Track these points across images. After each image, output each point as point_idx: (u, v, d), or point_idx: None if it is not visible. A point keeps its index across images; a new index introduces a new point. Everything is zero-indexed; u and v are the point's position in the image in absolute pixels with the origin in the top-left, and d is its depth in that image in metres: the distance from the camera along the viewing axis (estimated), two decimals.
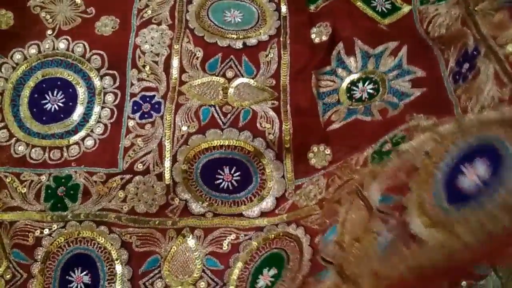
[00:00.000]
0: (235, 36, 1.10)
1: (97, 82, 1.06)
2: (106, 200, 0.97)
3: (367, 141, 0.96)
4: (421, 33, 1.08)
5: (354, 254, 0.78)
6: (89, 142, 1.02)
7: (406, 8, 1.13)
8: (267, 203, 0.98)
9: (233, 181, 0.99)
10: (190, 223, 0.96)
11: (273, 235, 0.95)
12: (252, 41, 1.09)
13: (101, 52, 1.08)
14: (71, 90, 1.06)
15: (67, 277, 0.92)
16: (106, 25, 1.10)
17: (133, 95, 1.05)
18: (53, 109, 1.04)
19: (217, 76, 1.06)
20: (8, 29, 1.09)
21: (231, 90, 1.05)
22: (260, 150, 1.01)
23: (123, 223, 0.95)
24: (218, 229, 0.95)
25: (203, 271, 0.93)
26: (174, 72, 1.07)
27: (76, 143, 1.02)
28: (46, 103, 1.05)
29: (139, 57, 1.08)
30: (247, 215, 0.97)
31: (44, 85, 1.06)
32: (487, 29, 0.94)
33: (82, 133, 1.03)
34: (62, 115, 1.04)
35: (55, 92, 1.05)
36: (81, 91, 1.06)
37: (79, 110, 1.04)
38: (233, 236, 0.95)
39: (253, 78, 1.06)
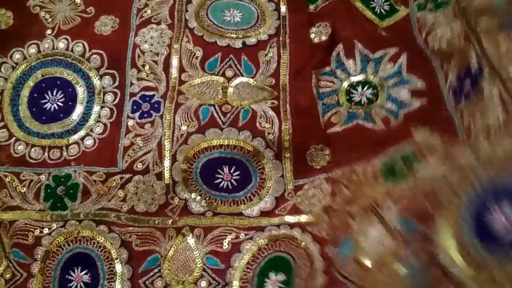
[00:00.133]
0: (234, 36, 1.10)
1: (96, 82, 1.06)
2: (105, 199, 0.97)
3: (371, 149, 0.97)
4: (420, 42, 1.08)
5: (379, 279, 0.80)
6: (88, 142, 1.02)
7: (404, 11, 1.14)
8: (267, 203, 0.97)
9: (232, 180, 0.99)
10: (189, 222, 0.95)
11: (275, 236, 0.95)
12: (252, 41, 1.09)
13: (101, 52, 1.08)
14: (70, 90, 1.06)
15: (67, 276, 0.92)
16: (106, 25, 1.10)
17: (132, 94, 1.05)
18: (52, 108, 1.04)
19: (216, 75, 1.07)
20: (7, 29, 1.10)
21: (230, 90, 1.05)
22: (260, 150, 1.01)
23: (122, 222, 0.95)
24: (218, 228, 0.95)
25: (204, 270, 0.93)
26: (174, 71, 1.07)
27: (76, 142, 1.02)
28: (46, 103, 1.05)
29: (139, 56, 1.08)
30: (246, 215, 0.97)
31: (43, 85, 1.06)
32: (491, 49, 0.95)
33: (81, 133, 1.03)
34: (61, 115, 1.04)
35: (55, 92, 1.05)
36: (81, 91, 1.06)
37: (79, 110, 1.04)
38: (233, 235, 0.95)
39: (252, 77, 1.07)
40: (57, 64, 1.07)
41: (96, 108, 1.05)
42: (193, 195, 0.97)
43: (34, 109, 1.04)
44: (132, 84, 1.06)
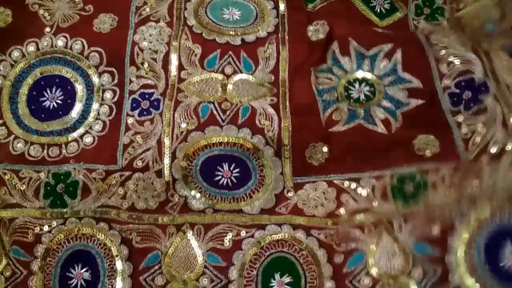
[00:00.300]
0: (233, 33, 1.10)
1: (95, 79, 1.06)
2: (105, 197, 0.97)
3: (370, 150, 0.99)
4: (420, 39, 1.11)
5: None
6: (88, 139, 1.02)
7: (403, 11, 1.16)
8: (267, 200, 0.97)
9: (232, 177, 1.00)
10: (190, 219, 0.95)
11: (278, 236, 0.95)
12: (250, 38, 1.10)
13: (100, 49, 1.08)
14: (69, 87, 1.06)
15: (67, 273, 0.92)
16: (105, 23, 1.11)
17: (132, 92, 1.06)
18: (51, 106, 1.04)
19: (216, 72, 1.07)
20: (6, 27, 1.10)
21: (230, 87, 1.06)
22: (259, 147, 1.01)
23: (123, 219, 0.95)
24: (218, 225, 0.95)
25: (205, 267, 0.93)
26: (173, 69, 1.07)
27: (75, 140, 1.02)
28: (45, 101, 1.05)
29: (138, 54, 1.08)
30: (247, 212, 0.97)
31: (42, 83, 1.06)
32: (500, 66, 1.01)
33: (80, 130, 1.03)
34: (60, 112, 1.04)
35: (54, 90, 1.05)
36: (80, 88, 1.06)
37: (78, 107, 1.04)
38: (234, 233, 0.95)
39: (251, 74, 1.07)
40: (56, 62, 1.07)
41: (95, 106, 1.05)
42: (193, 192, 0.97)
43: (33, 107, 1.04)
44: (131, 81, 1.06)
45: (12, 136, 1.02)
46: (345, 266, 0.92)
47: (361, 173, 0.98)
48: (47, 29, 1.10)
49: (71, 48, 1.08)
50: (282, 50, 1.09)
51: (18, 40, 1.08)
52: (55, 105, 1.04)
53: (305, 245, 0.93)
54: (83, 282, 0.92)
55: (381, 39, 1.10)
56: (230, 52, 1.08)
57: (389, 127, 1.02)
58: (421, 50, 1.08)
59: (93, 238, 0.94)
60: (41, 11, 1.11)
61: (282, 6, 1.15)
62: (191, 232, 0.95)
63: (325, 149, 1.01)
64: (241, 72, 1.07)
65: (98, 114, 1.04)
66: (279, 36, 1.11)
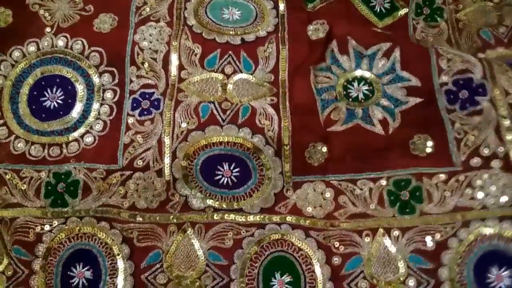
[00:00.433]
0: (233, 33, 1.11)
1: (96, 79, 1.07)
2: (106, 196, 0.97)
3: (372, 155, 1.01)
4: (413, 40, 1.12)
5: None
6: (88, 139, 1.02)
7: (403, 10, 1.16)
8: (266, 199, 0.98)
9: (232, 177, 1.00)
10: (190, 218, 0.96)
11: (277, 236, 0.95)
12: (250, 37, 1.10)
13: (100, 49, 1.08)
14: (70, 87, 1.06)
15: (68, 272, 0.92)
16: (105, 22, 1.11)
17: (132, 92, 1.06)
18: (52, 106, 1.05)
19: (216, 72, 1.07)
20: (7, 27, 1.10)
21: (230, 86, 1.06)
22: (259, 147, 1.01)
23: (123, 218, 0.95)
24: (219, 224, 0.96)
25: (207, 265, 0.93)
26: (173, 69, 1.07)
27: (76, 139, 1.02)
28: (45, 100, 1.05)
29: (138, 54, 1.08)
30: (247, 211, 0.97)
31: (43, 83, 1.06)
32: (500, 77, 1.02)
33: (81, 130, 1.03)
34: (61, 112, 1.04)
35: (54, 89, 1.06)
36: (80, 88, 1.06)
37: (78, 107, 1.05)
38: (234, 232, 0.95)
39: (251, 74, 1.07)
40: (56, 62, 1.07)
41: (95, 106, 1.05)
42: (193, 192, 0.98)
43: (33, 107, 1.04)
44: (131, 81, 1.07)
45: (13, 136, 1.02)
46: (343, 268, 0.93)
47: (359, 174, 0.99)
48: (48, 29, 1.10)
49: (71, 48, 1.08)
50: (282, 49, 1.09)
51: (18, 40, 1.08)
52: (56, 105, 1.05)
53: (301, 244, 0.94)
54: (84, 281, 0.92)
55: (380, 38, 1.10)
56: (230, 52, 1.08)
57: (387, 128, 1.03)
58: (420, 48, 1.09)
59: (94, 237, 0.94)
60: (41, 11, 1.11)
61: (281, 6, 1.15)
62: (192, 230, 0.95)
63: (324, 149, 1.02)
64: (241, 72, 1.07)
65: (99, 114, 1.04)
66: (279, 35, 1.11)
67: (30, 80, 1.06)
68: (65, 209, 0.96)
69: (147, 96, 1.05)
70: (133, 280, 0.92)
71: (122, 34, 1.10)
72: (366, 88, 1.07)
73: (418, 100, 1.04)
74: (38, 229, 0.95)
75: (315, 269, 0.93)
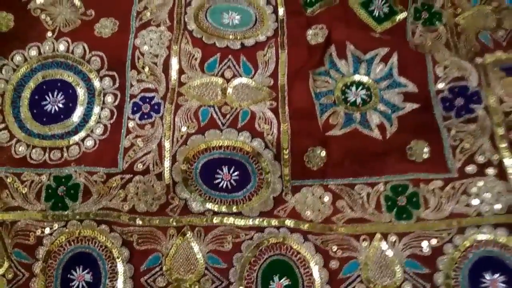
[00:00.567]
0: (232, 37, 1.11)
1: (96, 83, 1.07)
2: (106, 199, 0.98)
3: (370, 160, 1.01)
4: (411, 46, 1.12)
5: None
6: (89, 143, 1.03)
7: (401, 15, 1.16)
8: (265, 203, 0.98)
9: (232, 180, 1.00)
10: (190, 222, 0.96)
11: (276, 239, 0.96)
12: (250, 42, 1.11)
13: (101, 54, 1.09)
14: (71, 91, 1.07)
15: (68, 275, 0.93)
16: (106, 27, 1.11)
17: (132, 96, 1.06)
18: (53, 110, 1.05)
19: (215, 76, 1.08)
20: (8, 31, 1.11)
21: (229, 91, 1.07)
22: (259, 151, 1.02)
23: (123, 222, 0.96)
24: (218, 227, 0.96)
25: (207, 268, 0.93)
26: (173, 73, 1.08)
27: (76, 143, 1.03)
28: (46, 104, 1.06)
29: (138, 58, 1.09)
30: (246, 214, 0.97)
31: (44, 87, 1.07)
32: (496, 84, 1.03)
33: (82, 134, 1.04)
34: (62, 116, 1.05)
35: (55, 93, 1.06)
36: (81, 92, 1.07)
37: (79, 111, 1.05)
38: (233, 235, 0.96)
39: (251, 78, 1.08)
40: (57, 66, 1.08)
41: (96, 110, 1.06)
42: (193, 195, 0.98)
43: (35, 111, 1.05)
44: (132, 85, 1.07)
45: (14, 140, 1.03)
46: (340, 272, 0.93)
47: (357, 179, 1.00)
48: (49, 34, 1.11)
49: (72, 52, 1.09)
50: (281, 54, 1.10)
51: (20, 45, 1.09)
52: (57, 109, 1.05)
53: (299, 248, 0.95)
54: (84, 284, 0.92)
55: (378, 43, 1.11)
56: (230, 56, 1.09)
57: (384, 133, 1.04)
58: (418, 54, 1.10)
59: (94, 240, 0.95)
60: (43, 16, 1.12)
61: (281, 11, 1.16)
62: (191, 234, 0.95)
63: (323, 153, 1.02)
64: (241, 76, 1.08)
65: (99, 117, 1.05)
66: (278, 40, 1.12)
67: (31, 84, 1.07)
68: (66, 212, 0.96)
69: (147, 100, 1.06)
70: (132, 283, 0.92)
71: (123, 39, 1.11)
72: (364, 93, 1.08)
73: (415, 106, 1.05)
74: (38, 232, 0.95)
75: (313, 273, 0.93)
